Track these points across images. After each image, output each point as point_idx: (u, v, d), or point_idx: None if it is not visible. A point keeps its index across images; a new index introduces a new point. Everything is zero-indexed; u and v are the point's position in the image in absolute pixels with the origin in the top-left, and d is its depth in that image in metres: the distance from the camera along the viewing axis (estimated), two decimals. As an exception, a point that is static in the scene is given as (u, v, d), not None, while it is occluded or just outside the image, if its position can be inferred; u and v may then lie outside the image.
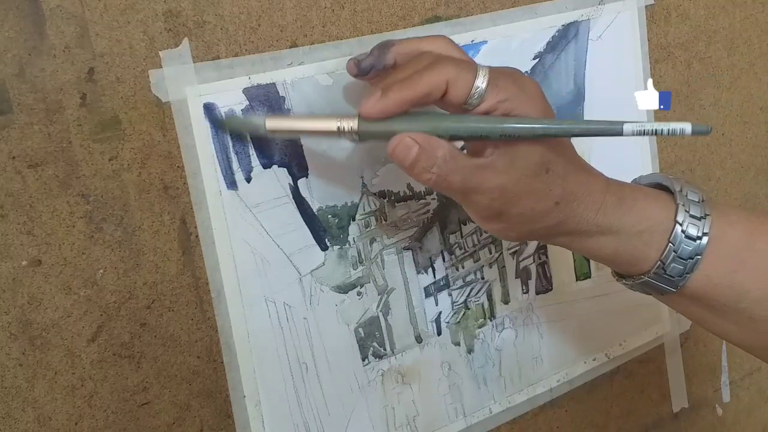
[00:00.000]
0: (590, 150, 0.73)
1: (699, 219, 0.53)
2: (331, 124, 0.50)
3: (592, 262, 0.76)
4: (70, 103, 0.49)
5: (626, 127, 0.48)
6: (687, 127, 0.47)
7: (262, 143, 0.56)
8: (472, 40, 0.65)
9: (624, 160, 0.77)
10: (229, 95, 0.54)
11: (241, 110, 0.55)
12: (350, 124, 0.50)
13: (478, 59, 0.65)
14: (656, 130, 0.48)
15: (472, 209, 0.53)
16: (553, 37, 0.69)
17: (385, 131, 0.49)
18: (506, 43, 0.67)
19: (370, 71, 0.54)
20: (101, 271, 0.51)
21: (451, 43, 0.54)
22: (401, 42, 0.54)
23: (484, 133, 0.49)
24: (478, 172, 0.50)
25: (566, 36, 0.70)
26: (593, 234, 0.54)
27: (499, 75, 0.49)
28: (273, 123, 0.53)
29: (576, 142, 0.72)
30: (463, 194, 0.51)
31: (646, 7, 0.76)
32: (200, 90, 0.53)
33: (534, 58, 0.69)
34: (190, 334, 0.55)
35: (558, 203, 0.52)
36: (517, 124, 0.48)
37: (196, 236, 0.54)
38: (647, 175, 0.60)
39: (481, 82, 0.48)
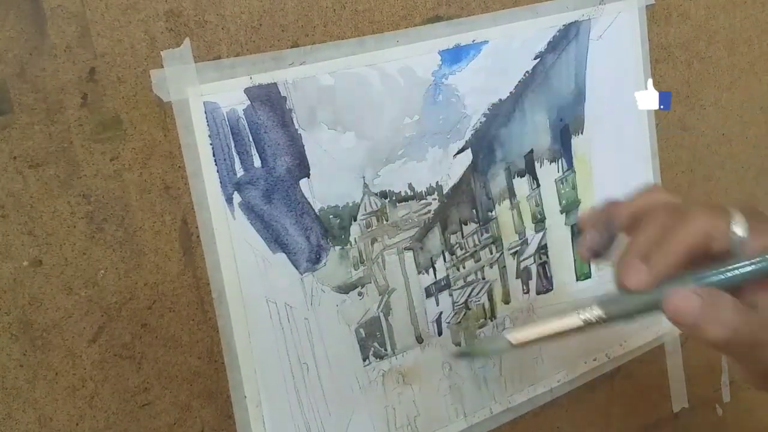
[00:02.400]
0: (591, 152, 0.73)
1: None
2: (574, 320, 0.47)
3: (593, 263, 0.76)
4: (71, 103, 0.49)
5: None
6: None
7: (264, 142, 0.56)
8: (473, 40, 0.65)
9: (624, 162, 0.77)
10: (231, 95, 0.54)
11: (243, 109, 0.55)
12: (594, 313, 0.46)
13: (480, 59, 0.65)
14: None
15: (753, 368, 0.47)
16: (554, 36, 0.69)
17: (640, 303, 0.45)
18: (507, 42, 0.67)
19: (604, 251, 0.50)
20: (102, 271, 0.51)
21: (668, 192, 0.49)
22: (617, 207, 0.49)
23: (751, 277, 0.44)
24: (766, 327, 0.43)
25: (567, 36, 0.70)
26: None
27: (755, 216, 0.44)
28: (517, 337, 0.49)
29: (576, 142, 0.73)
30: (749, 353, 0.45)
31: (646, 6, 0.76)
32: (201, 90, 0.53)
33: (535, 58, 0.69)
34: (191, 334, 0.55)
35: None
36: None
37: (197, 236, 0.54)
38: None
39: (741, 226, 0.43)
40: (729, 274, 0.44)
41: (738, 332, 0.43)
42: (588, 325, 0.46)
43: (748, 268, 0.44)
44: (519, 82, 0.68)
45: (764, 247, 0.44)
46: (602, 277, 0.76)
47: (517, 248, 0.71)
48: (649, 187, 0.50)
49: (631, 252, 0.45)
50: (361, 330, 0.62)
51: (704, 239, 0.43)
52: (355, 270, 0.61)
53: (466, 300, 0.68)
